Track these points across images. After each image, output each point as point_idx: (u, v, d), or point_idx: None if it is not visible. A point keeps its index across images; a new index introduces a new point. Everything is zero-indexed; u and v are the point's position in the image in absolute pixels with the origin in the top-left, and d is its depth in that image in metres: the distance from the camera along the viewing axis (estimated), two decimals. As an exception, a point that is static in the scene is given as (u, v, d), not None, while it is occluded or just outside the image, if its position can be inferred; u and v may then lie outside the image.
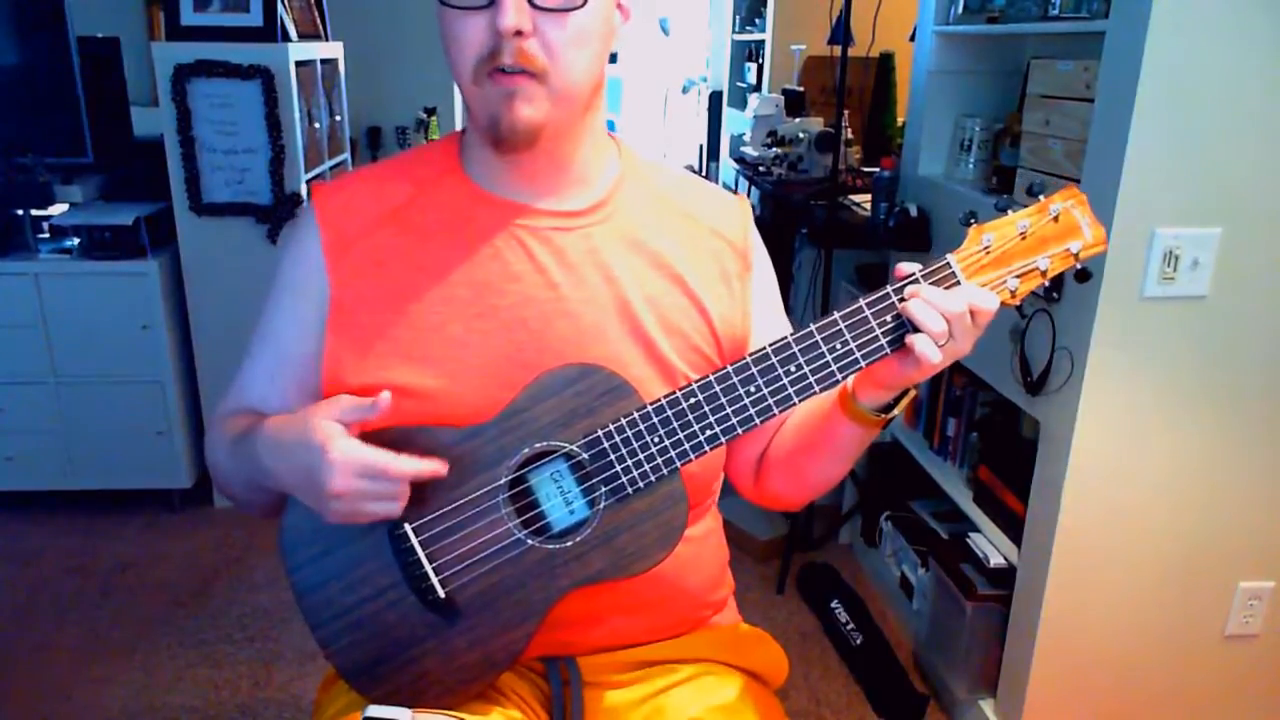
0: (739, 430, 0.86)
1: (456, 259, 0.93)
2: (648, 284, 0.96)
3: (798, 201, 2.77)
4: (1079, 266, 0.87)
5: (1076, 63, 1.61)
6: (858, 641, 2.15)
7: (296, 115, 2.54)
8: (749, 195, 3.25)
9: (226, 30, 2.48)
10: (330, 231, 0.95)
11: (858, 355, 0.85)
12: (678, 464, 0.87)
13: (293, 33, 2.65)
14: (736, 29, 4.87)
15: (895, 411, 0.91)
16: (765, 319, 1.04)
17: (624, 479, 0.87)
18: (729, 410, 0.86)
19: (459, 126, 2.94)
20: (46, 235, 2.66)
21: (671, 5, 6.80)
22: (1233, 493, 1.62)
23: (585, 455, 0.87)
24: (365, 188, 0.97)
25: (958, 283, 0.84)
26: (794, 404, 0.86)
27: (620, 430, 0.87)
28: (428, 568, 0.88)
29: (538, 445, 0.88)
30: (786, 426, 1.04)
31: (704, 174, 5.32)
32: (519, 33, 0.82)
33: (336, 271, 0.94)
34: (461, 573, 0.89)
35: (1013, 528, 1.80)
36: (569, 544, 0.88)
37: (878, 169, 2.66)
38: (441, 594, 0.88)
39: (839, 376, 0.85)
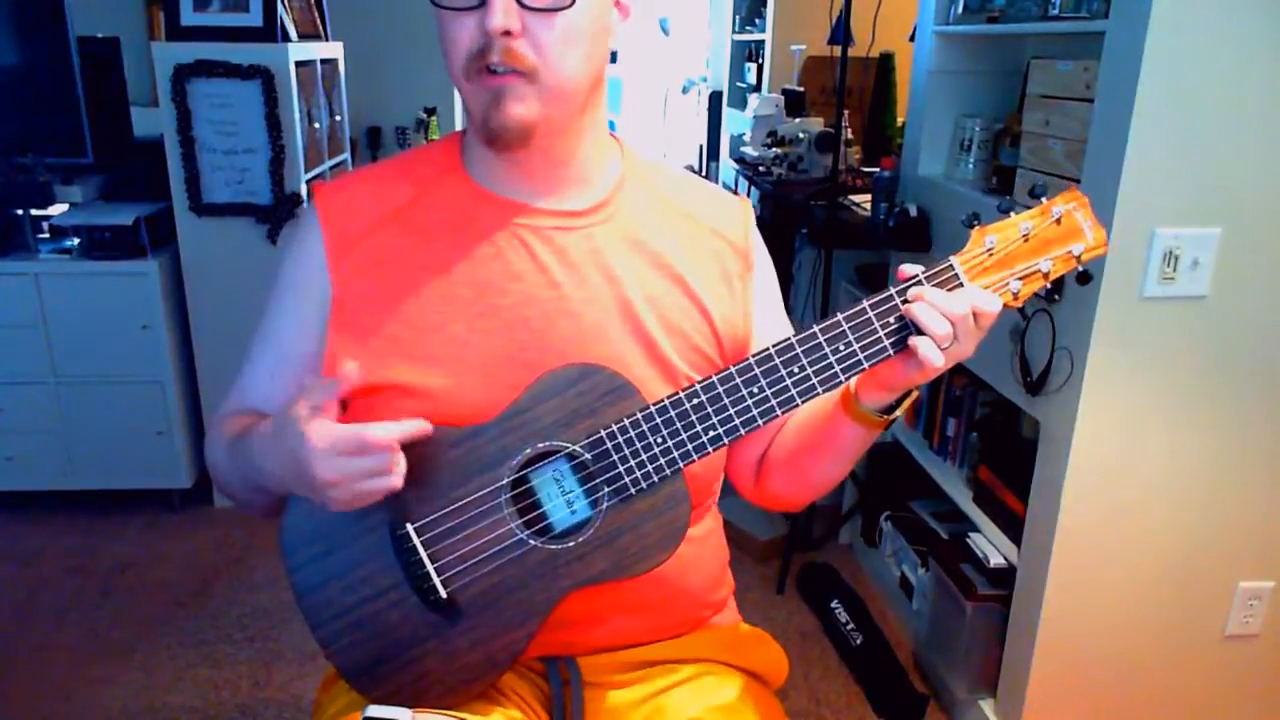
0: (742, 430, 0.86)
1: (458, 258, 0.93)
2: (649, 284, 0.96)
3: (798, 201, 2.77)
4: (1080, 269, 0.87)
5: (1076, 63, 1.61)
6: (858, 641, 2.15)
7: (296, 115, 2.53)
8: (749, 195, 3.25)
9: (226, 30, 2.48)
10: (332, 231, 0.95)
11: (860, 356, 0.85)
12: (680, 464, 0.87)
13: (293, 33, 2.65)
14: (736, 29, 4.87)
15: (898, 412, 0.91)
16: (766, 319, 1.04)
17: (626, 479, 0.87)
18: (732, 410, 0.86)
19: (459, 126, 2.94)
20: (46, 235, 2.66)
21: (671, 5, 6.80)
22: (1233, 493, 1.63)
23: (588, 455, 0.87)
24: (367, 187, 0.97)
25: (960, 285, 0.84)
26: (797, 404, 0.86)
27: (623, 430, 0.87)
28: (429, 568, 0.88)
29: (540, 445, 0.88)
30: (788, 427, 1.04)
31: (704, 174, 5.32)
32: (508, 32, 0.83)
33: (338, 271, 0.94)
34: (463, 573, 0.89)
35: (1013, 528, 1.80)
36: (571, 544, 0.88)
37: (878, 169, 2.66)
38: (443, 594, 0.88)
39: (842, 377, 0.85)
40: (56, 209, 2.66)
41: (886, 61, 3.09)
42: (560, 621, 0.92)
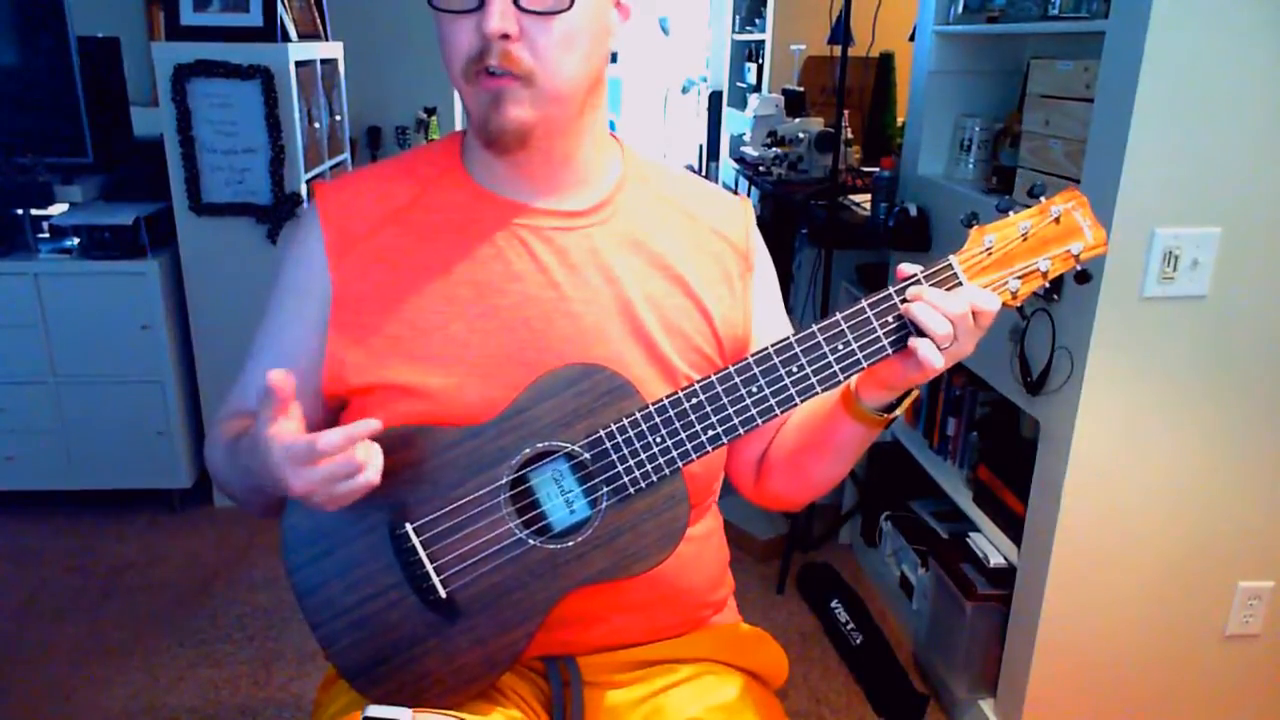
0: (741, 430, 0.86)
1: (459, 258, 0.93)
2: (649, 284, 0.96)
3: (798, 201, 2.77)
4: (1080, 268, 0.87)
5: (1076, 63, 1.61)
6: (858, 641, 2.15)
7: (296, 115, 2.54)
8: (749, 195, 3.25)
9: (226, 30, 2.48)
10: (332, 231, 0.95)
11: (860, 356, 0.85)
12: (679, 464, 0.87)
13: (293, 33, 2.65)
14: (736, 29, 4.87)
15: (898, 411, 0.92)
16: (766, 319, 1.04)
17: (625, 479, 0.87)
18: (730, 410, 0.86)
19: (459, 126, 2.94)
20: (46, 235, 2.66)
21: (671, 5, 6.80)
22: (1233, 493, 1.62)
23: (587, 455, 0.87)
24: (367, 187, 0.97)
25: (959, 284, 0.84)
26: (796, 404, 0.86)
27: (622, 430, 0.87)
28: (429, 567, 0.88)
29: (539, 445, 0.88)
30: (788, 426, 1.04)
31: (704, 174, 5.32)
32: (505, 36, 0.83)
33: (339, 271, 0.94)
34: (463, 572, 0.89)
35: (1013, 528, 1.80)
36: (570, 544, 0.88)
37: (878, 169, 2.66)
38: (443, 594, 0.88)
39: (841, 377, 0.85)
40: (56, 209, 2.66)
41: (886, 61, 3.09)
42: (560, 621, 0.92)
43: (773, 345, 0.86)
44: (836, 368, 0.85)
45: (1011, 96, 2.08)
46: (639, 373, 0.92)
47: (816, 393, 0.86)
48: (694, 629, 1.05)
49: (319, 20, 3.00)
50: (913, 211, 2.07)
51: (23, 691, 2.05)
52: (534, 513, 0.89)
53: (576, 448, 0.87)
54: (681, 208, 1.01)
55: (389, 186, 0.97)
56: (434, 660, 0.90)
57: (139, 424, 2.67)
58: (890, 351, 0.84)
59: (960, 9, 2.02)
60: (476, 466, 0.88)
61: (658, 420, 0.87)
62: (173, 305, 2.64)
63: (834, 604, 2.27)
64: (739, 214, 1.04)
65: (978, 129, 2.04)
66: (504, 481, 0.88)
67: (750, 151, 3.44)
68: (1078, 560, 1.64)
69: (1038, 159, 1.72)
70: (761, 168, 3.25)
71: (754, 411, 0.86)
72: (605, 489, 0.88)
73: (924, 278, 0.84)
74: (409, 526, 0.88)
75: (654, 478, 0.87)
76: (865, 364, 0.85)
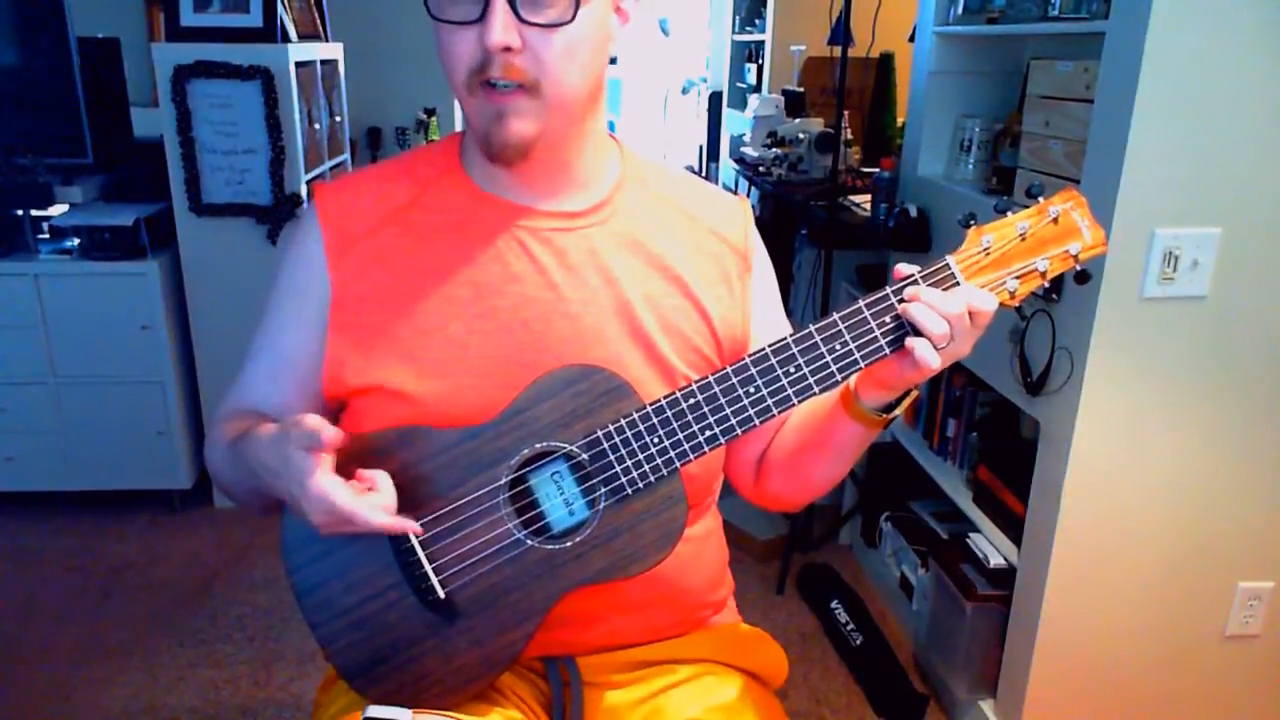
0: (738, 431, 0.86)
1: (458, 260, 0.93)
2: (647, 285, 0.96)
3: (798, 202, 2.77)
4: (1079, 268, 0.87)
5: (1076, 63, 1.61)
6: (858, 641, 2.15)
7: (296, 116, 2.54)
8: (749, 195, 3.25)
9: (226, 31, 2.49)
10: (332, 231, 0.95)
11: (857, 356, 0.85)
12: (677, 464, 0.87)
13: (293, 33, 2.65)
14: (736, 29, 4.87)
15: (897, 412, 0.91)
16: (765, 320, 1.04)
17: (623, 479, 0.87)
18: (728, 411, 0.86)
19: (459, 127, 2.94)
20: (46, 235, 2.66)
21: (671, 5, 6.80)
22: (1233, 493, 1.62)
23: (585, 456, 0.87)
24: (367, 188, 0.98)
25: (957, 284, 0.84)
26: (793, 405, 0.86)
27: (620, 431, 0.87)
28: (427, 568, 0.88)
29: (538, 446, 0.88)
30: (787, 426, 1.04)
31: (704, 174, 5.32)
32: (507, 48, 0.82)
33: (338, 271, 0.94)
34: (461, 573, 0.89)
35: (1013, 528, 1.80)
36: (569, 544, 0.88)
37: (878, 169, 2.66)
38: (441, 594, 0.88)
39: (838, 377, 0.85)
40: (56, 209, 2.66)
41: (886, 62, 3.09)
42: (559, 621, 0.92)
43: (770, 346, 0.86)
44: (834, 368, 0.85)
45: (1011, 97, 2.08)
46: (637, 373, 0.92)
47: (814, 393, 0.86)
48: (693, 629, 1.05)
49: (319, 21, 3.00)
50: (913, 212, 2.07)
51: (23, 691, 2.05)
52: (533, 513, 0.89)
53: (575, 448, 0.87)
54: (680, 208, 1.01)
55: (388, 187, 0.97)
56: (433, 660, 0.90)
57: (139, 424, 2.67)
58: (888, 351, 0.84)
59: (960, 9, 2.02)
60: (475, 467, 0.88)
61: (655, 421, 0.87)
62: (173, 305, 2.65)
63: (834, 604, 2.27)
64: (738, 214, 1.04)
65: (978, 129, 2.04)
66: (503, 482, 0.88)
67: (750, 152, 3.44)
68: (1078, 560, 1.64)
69: (1038, 159, 1.72)
70: (761, 168, 3.25)
71: (752, 412, 0.86)
72: (603, 489, 0.88)
73: (921, 278, 0.84)
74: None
75: (652, 478, 0.87)
76: (863, 364, 0.85)
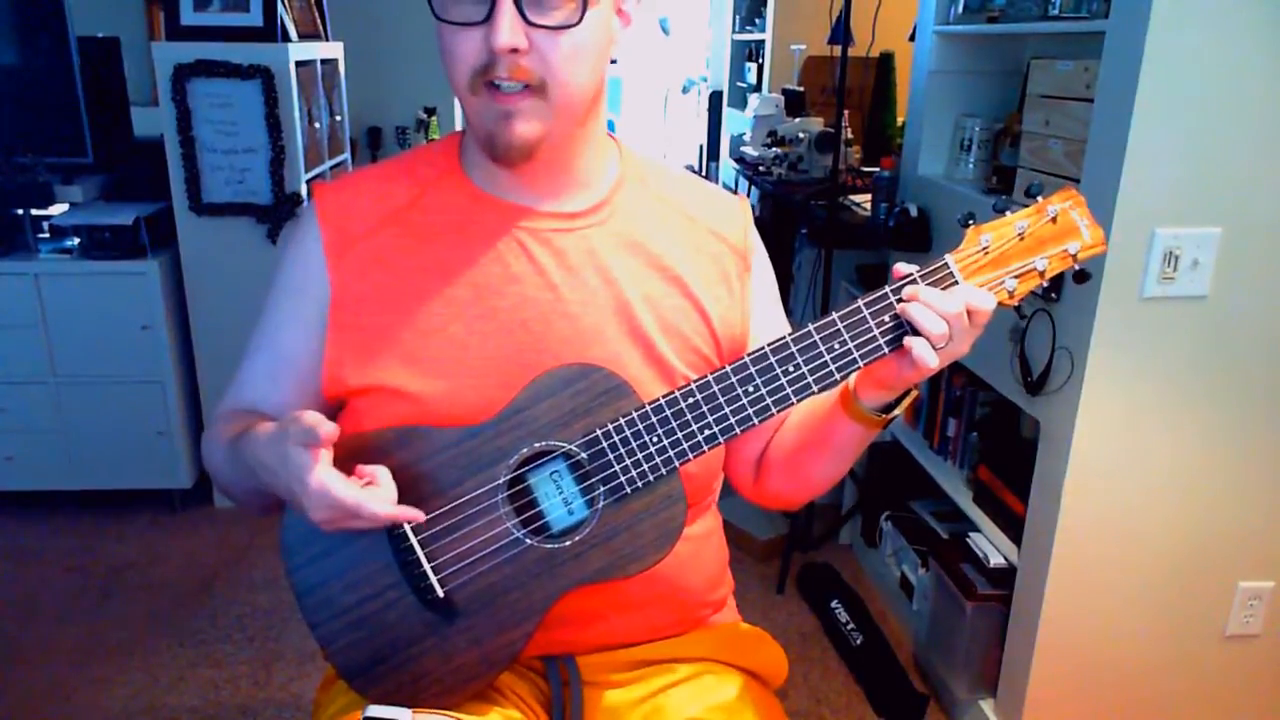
0: (737, 430, 0.86)
1: (457, 260, 0.93)
2: (647, 285, 0.96)
3: (798, 201, 2.77)
4: (1077, 268, 0.87)
5: (1076, 63, 1.61)
6: (858, 641, 2.15)
7: (296, 115, 2.54)
8: (749, 195, 3.25)
9: (226, 30, 2.49)
10: (331, 231, 0.95)
11: (856, 356, 0.85)
12: (676, 464, 0.87)
13: (293, 33, 2.65)
14: (736, 29, 4.87)
15: (897, 411, 0.91)
16: (765, 320, 1.04)
17: (622, 479, 0.87)
18: (727, 410, 0.86)
19: (459, 127, 2.94)
20: (46, 235, 2.66)
21: (671, 5, 6.80)
22: (1233, 493, 1.62)
23: (584, 455, 0.87)
24: (366, 188, 0.97)
25: (955, 283, 0.84)
26: (792, 404, 0.86)
27: (619, 430, 0.87)
28: (426, 567, 0.88)
29: (537, 445, 0.88)
30: (787, 426, 1.04)
31: (704, 174, 5.32)
32: (514, 50, 0.82)
33: (337, 271, 0.94)
34: (460, 572, 0.89)
35: (1013, 528, 1.80)
36: (568, 544, 0.88)
37: (878, 169, 2.66)
38: (440, 593, 0.88)
39: (837, 377, 0.85)
40: (56, 209, 2.66)
41: (886, 61, 3.09)
42: (559, 620, 0.92)
43: (769, 345, 0.86)
44: (833, 367, 0.85)
45: (1011, 96, 2.08)
46: (636, 373, 0.92)
47: (813, 393, 0.86)
48: (693, 628, 1.05)
49: (319, 20, 3.00)
50: (913, 211, 2.07)
51: (23, 691, 2.05)
52: (532, 512, 0.89)
53: (574, 448, 0.87)
54: (679, 208, 1.01)
55: (388, 187, 0.97)
56: (432, 660, 0.90)
57: (139, 424, 2.67)
58: (887, 351, 0.84)
59: (960, 9, 2.02)
60: (474, 466, 0.88)
61: (654, 420, 0.86)
62: (173, 305, 2.65)
63: (834, 604, 2.27)
64: (737, 214, 1.04)
65: (978, 129, 2.04)
66: (502, 481, 0.88)
67: (750, 151, 3.44)
68: (1078, 560, 1.64)
69: (1038, 159, 1.72)
70: (761, 168, 3.25)
71: (750, 412, 0.86)
72: (602, 489, 0.88)
73: (920, 277, 0.84)
74: (407, 526, 0.88)
75: (650, 478, 0.87)
76: (862, 363, 0.85)
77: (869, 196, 2.48)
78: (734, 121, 4.66)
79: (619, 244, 0.96)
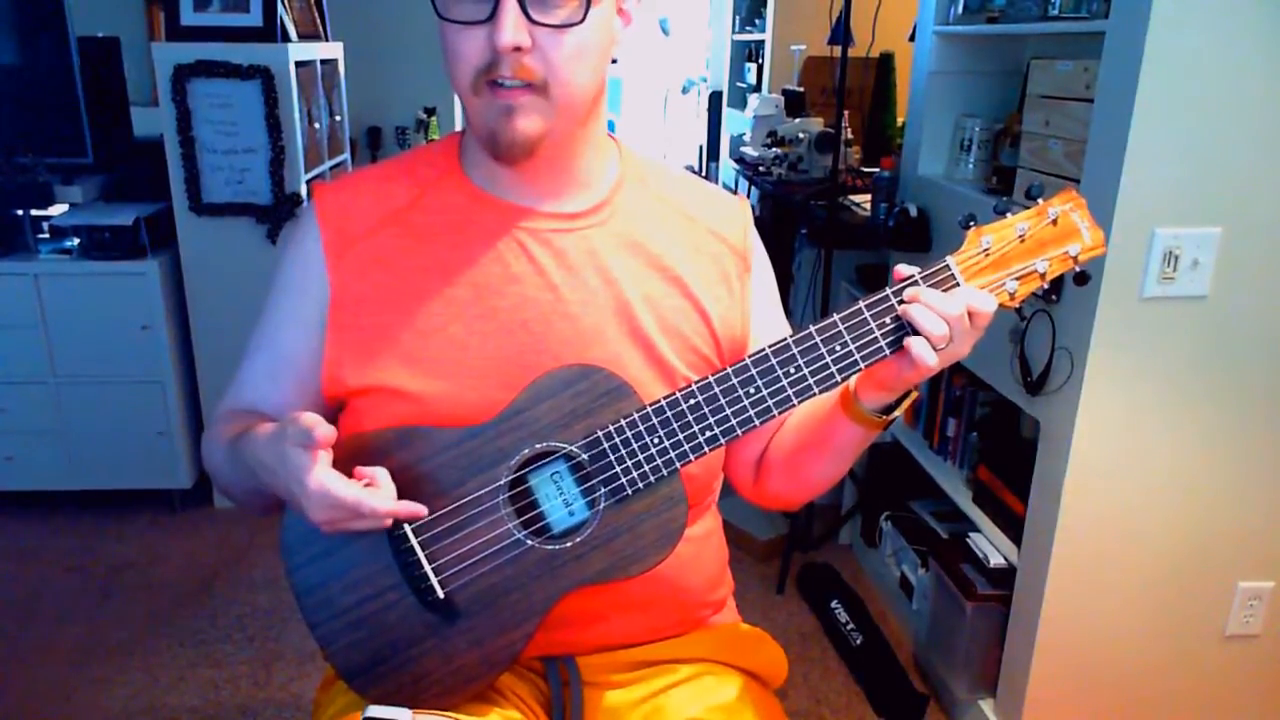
0: (738, 431, 0.86)
1: (457, 260, 0.93)
2: (647, 285, 0.96)
3: (798, 201, 2.77)
4: (1078, 269, 0.87)
5: (1076, 63, 1.61)
6: (858, 641, 2.15)
7: (296, 115, 2.54)
8: (749, 195, 3.25)
9: (226, 30, 2.49)
10: (331, 231, 0.95)
11: (857, 357, 0.85)
12: (677, 465, 0.87)
13: (293, 33, 2.65)
14: (736, 29, 4.87)
15: (897, 413, 0.91)
16: (765, 320, 1.04)
17: (623, 480, 0.87)
18: (728, 411, 0.86)
19: (459, 127, 2.94)
20: (46, 235, 2.66)
21: (671, 5, 6.80)
22: (1233, 493, 1.62)
23: (585, 456, 0.87)
24: (366, 188, 0.97)
25: (956, 284, 0.84)
26: (793, 405, 0.86)
27: (620, 431, 0.87)
28: (427, 568, 0.88)
29: (538, 446, 0.88)
30: (787, 426, 1.04)
31: (704, 174, 5.32)
32: (518, 48, 0.82)
33: (337, 272, 0.94)
34: (461, 573, 0.89)
35: (1013, 528, 1.80)
36: (568, 545, 0.88)
37: (878, 169, 2.66)
38: (441, 594, 0.88)
39: (838, 378, 0.85)
40: (56, 209, 2.66)
41: (886, 61, 3.09)
42: (559, 621, 0.92)
43: (770, 346, 0.86)
44: (834, 369, 0.85)
45: (1011, 97, 2.08)
46: (637, 374, 0.92)
47: (814, 394, 0.86)
48: (693, 629, 1.05)
49: (319, 20, 3.00)
50: (913, 212, 2.07)
51: (23, 691, 2.05)
52: (532, 513, 0.89)
53: (575, 448, 0.87)
54: (679, 208, 1.01)
55: (387, 187, 0.97)
56: (432, 660, 0.90)
57: (139, 424, 2.67)
58: (888, 352, 0.84)
59: (960, 9, 2.02)
60: (475, 467, 0.88)
61: (655, 421, 0.86)
62: (173, 305, 2.65)
63: (834, 604, 2.27)
64: (737, 214, 1.04)
65: (978, 129, 2.04)
66: (503, 482, 0.88)
67: (750, 152, 3.44)
68: (1078, 560, 1.64)
69: (1038, 159, 1.72)
70: (761, 168, 3.25)
71: (752, 413, 0.86)
72: (603, 490, 0.88)
73: (921, 279, 0.84)
74: (407, 527, 0.88)
75: (651, 479, 0.87)
76: (863, 365, 0.85)
77: (869, 197, 2.48)
78: (734, 122, 4.65)
79: (619, 244, 0.96)
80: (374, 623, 0.90)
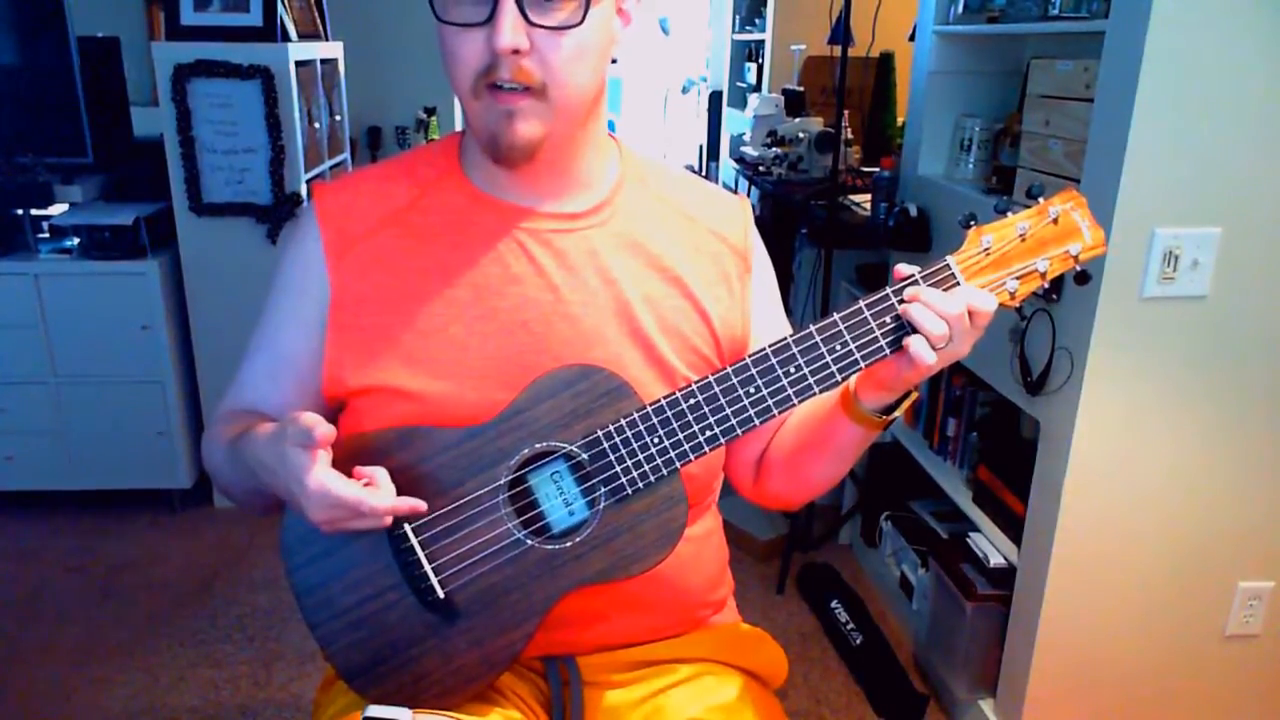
0: (738, 431, 0.86)
1: (457, 261, 0.93)
2: (647, 285, 0.96)
3: (798, 201, 2.77)
4: (1078, 269, 0.87)
5: (1076, 63, 1.61)
6: (858, 641, 2.15)
7: (296, 115, 2.54)
8: (749, 195, 3.25)
9: (226, 30, 2.48)
10: (331, 231, 0.95)
11: (857, 356, 0.85)
12: (677, 465, 0.87)
13: (293, 33, 2.65)
14: (736, 29, 4.87)
15: (897, 413, 0.91)
16: (765, 320, 1.04)
17: (623, 479, 0.87)
18: (728, 411, 0.86)
19: (459, 127, 2.94)
20: (46, 235, 2.66)
21: (671, 5, 6.80)
22: (1233, 493, 1.62)
23: (585, 456, 0.87)
24: (366, 188, 0.97)
25: (957, 284, 0.84)
26: (793, 405, 0.86)
27: (620, 431, 0.87)
28: (427, 568, 0.88)
29: (538, 446, 0.88)
30: (787, 426, 1.04)
31: (704, 174, 5.32)
32: (516, 51, 0.82)
33: (337, 272, 0.94)
34: (461, 573, 0.89)
35: (1013, 528, 1.80)
36: (568, 544, 0.88)
37: (878, 169, 2.66)
38: (441, 594, 0.88)
39: (838, 378, 0.85)
40: (56, 209, 2.66)
41: (886, 61, 3.09)
42: (559, 621, 0.92)
43: (770, 346, 0.86)
44: (834, 368, 0.85)
45: (1011, 96, 2.08)
46: (637, 374, 0.92)
47: (814, 393, 0.86)
48: (693, 629, 1.05)
49: (319, 20, 3.00)
50: (913, 211, 2.07)
51: (23, 691, 2.05)
52: (532, 513, 0.89)
53: (575, 448, 0.87)
54: (680, 209, 1.01)
55: (387, 188, 0.97)
56: (432, 660, 0.90)
57: (139, 424, 2.67)
58: (888, 352, 0.84)
59: (960, 9, 2.02)
60: (475, 467, 0.88)
61: (655, 421, 0.86)
62: (173, 305, 2.64)
63: (834, 604, 2.27)
64: (737, 214, 1.04)
65: (978, 129, 2.04)
66: (503, 482, 0.88)
67: (750, 151, 3.44)
68: (1078, 560, 1.64)
69: (1038, 159, 1.72)
70: (761, 168, 3.25)
71: (752, 413, 0.86)
72: (603, 489, 0.88)
73: (921, 278, 0.84)
74: (407, 527, 0.88)
75: (652, 479, 0.87)
76: (863, 364, 0.85)
77: (869, 196, 2.48)
78: (734, 121, 4.65)
79: (619, 244, 0.96)
80: (374, 623, 0.90)
